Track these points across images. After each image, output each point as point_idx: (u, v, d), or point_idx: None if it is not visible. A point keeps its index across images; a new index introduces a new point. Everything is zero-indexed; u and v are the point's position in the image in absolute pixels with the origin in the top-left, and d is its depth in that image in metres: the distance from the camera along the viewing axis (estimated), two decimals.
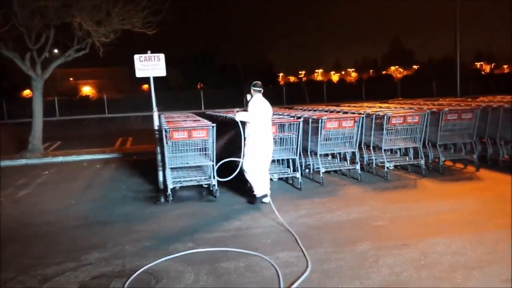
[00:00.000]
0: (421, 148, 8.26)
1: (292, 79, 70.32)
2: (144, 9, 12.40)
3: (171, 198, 6.89)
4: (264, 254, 4.62)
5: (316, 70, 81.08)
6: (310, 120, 8.00)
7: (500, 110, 8.48)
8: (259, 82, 6.84)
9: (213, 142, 6.97)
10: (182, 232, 5.45)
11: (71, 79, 56.91)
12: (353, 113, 8.91)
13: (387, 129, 8.03)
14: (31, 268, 4.47)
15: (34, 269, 4.43)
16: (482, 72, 60.37)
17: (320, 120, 7.72)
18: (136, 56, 10.38)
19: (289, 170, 7.78)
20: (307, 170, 8.25)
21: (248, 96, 6.88)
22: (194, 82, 38.59)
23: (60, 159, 11.76)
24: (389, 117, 7.97)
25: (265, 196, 6.60)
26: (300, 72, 76.67)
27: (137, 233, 5.47)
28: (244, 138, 6.76)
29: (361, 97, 34.16)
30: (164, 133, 6.81)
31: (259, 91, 6.78)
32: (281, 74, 65.74)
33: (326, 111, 9.67)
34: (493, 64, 70.93)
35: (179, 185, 7.19)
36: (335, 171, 8.54)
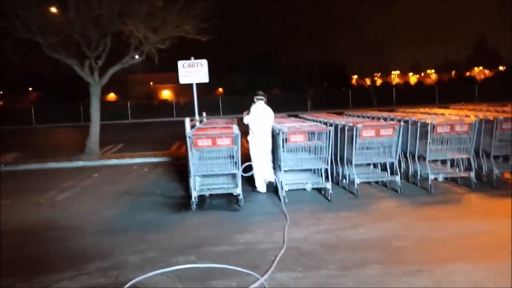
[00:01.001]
0: (472, 159, 7.50)
1: (368, 81, 68.33)
2: (197, 16, 12.59)
3: (195, 206, 6.82)
4: (263, 273, 4.36)
5: (393, 72, 78.05)
6: (346, 127, 7.57)
7: None
8: (260, 91, 8.12)
9: (237, 150, 6.82)
10: (190, 243, 5.33)
11: (151, 83, 60.07)
12: (399, 120, 8.29)
13: (432, 138, 7.37)
14: (33, 275, 4.57)
15: (35, 277, 4.53)
16: None
17: (355, 128, 7.26)
18: (179, 63, 10.59)
19: (320, 180, 7.41)
20: (344, 181, 7.83)
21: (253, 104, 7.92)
22: (257, 86, 38.83)
23: (113, 161, 12.25)
24: (434, 125, 7.30)
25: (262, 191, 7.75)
26: (375, 74, 74.19)
27: (146, 242, 5.44)
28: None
29: (435, 100, 32.16)
30: (188, 140, 6.77)
31: (261, 99, 7.95)
32: (355, 76, 64.04)
33: (369, 118, 9.12)
34: None
35: (205, 193, 7.14)
36: (376, 182, 8.00)
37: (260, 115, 7.82)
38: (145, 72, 48.00)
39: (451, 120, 7.48)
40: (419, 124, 7.65)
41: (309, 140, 7.26)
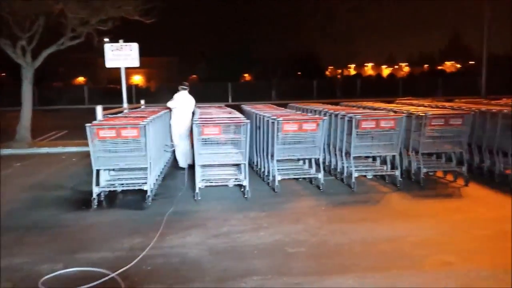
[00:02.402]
0: (400, 156, 7.18)
1: (339, 72, 68.13)
2: None
3: (96, 204, 6.27)
4: (128, 285, 3.88)
5: (366, 64, 78.08)
6: (270, 121, 7.12)
7: (498, 115, 7.15)
8: (186, 82, 9.22)
9: (147, 142, 6.29)
10: (68, 249, 4.79)
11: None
12: (330, 114, 7.91)
13: (357, 133, 6.99)
14: None
15: None
16: None
17: (276, 122, 6.80)
18: (107, 45, 9.92)
19: (241, 176, 6.95)
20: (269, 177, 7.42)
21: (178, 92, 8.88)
22: (224, 74, 38.07)
23: (44, 150, 11.55)
24: (359, 120, 6.91)
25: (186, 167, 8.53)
26: (349, 66, 74.08)
27: (22, 245, 4.90)
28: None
29: (399, 93, 32.08)
30: (88, 130, 6.18)
31: (184, 88, 8.98)
32: (330, 68, 63.69)
33: (307, 111, 8.71)
34: None
35: (111, 188, 6.60)
36: (304, 179, 7.58)
37: (181, 102, 8.84)
38: None
39: (376, 116, 7.11)
40: (346, 119, 7.26)
41: (235, 133, 6.77)
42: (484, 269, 4.03)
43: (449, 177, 7.50)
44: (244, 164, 6.75)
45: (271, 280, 3.93)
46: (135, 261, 4.36)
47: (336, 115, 7.71)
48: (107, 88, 39.31)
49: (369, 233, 5.07)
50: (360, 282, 3.83)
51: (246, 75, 50.49)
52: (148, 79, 55.10)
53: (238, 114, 8.19)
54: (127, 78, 54.13)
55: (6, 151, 11.29)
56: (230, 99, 32.34)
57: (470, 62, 62.42)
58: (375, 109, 8.99)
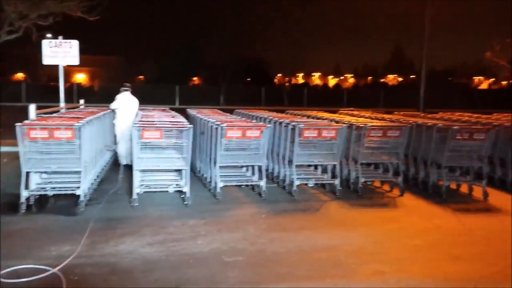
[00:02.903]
0: (340, 165, 7.32)
1: (287, 80, 69.09)
2: None
3: (24, 208, 5.88)
4: None
5: (314, 73, 79.80)
6: (214, 126, 7.03)
7: (433, 129, 7.47)
8: (127, 83, 9.47)
9: (81, 145, 5.99)
10: None
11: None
12: (275, 121, 7.94)
13: (300, 142, 7.05)
14: None
15: None
16: (478, 87, 59.13)
17: (220, 128, 6.72)
18: (45, 42, 9.44)
19: (181, 182, 6.79)
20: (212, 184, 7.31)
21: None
22: (172, 76, 37.53)
23: None
24: (301, 129, 6.97)
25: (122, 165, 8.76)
26: (297, 74, 75.36)
27: None
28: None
29: (342, 104, 33.02)
30: (18, 130, 5.81)
31: (126, 90, 9.26)
32: (279, 75, 64.43)
33: (251, 117, 8.70)
34: (492, 79, 69.19)
35: (44, 192, 6.22)
36: (247, 186, 7.53)
37: (123, 103, 9.11)
38: None
39: (318, 125, 7.21)
40: (289, 127, 7.31)
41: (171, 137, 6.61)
42: (414, 277, 4.15)
43: (386, 187, 7.73)
44: (186, 170, 6.61)
45: None
46: (56, 268, 4.11)
47: (280, 123, 7.75)
48: (47, 86, 37.60)
49: (307, 242, 5.10)
50: None
51: (195, 78, 50.04)
52: (92, 78, 53.24)
53: (181, 118, 8.03)
54: (70, 76, 51.87)
55: None
56: (177, 103, 31.87)
57: (411, 76, 65.49)
58: (318, 118, 9.13)
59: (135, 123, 6.57)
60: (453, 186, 7.70)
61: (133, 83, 34.26)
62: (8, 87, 34.36)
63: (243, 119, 8.72)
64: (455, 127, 7.19)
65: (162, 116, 8.36)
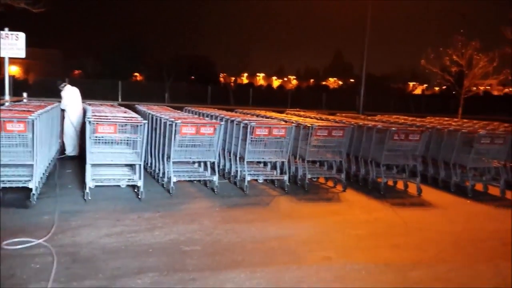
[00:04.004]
0: (288, 163, 7.72)
1: (232, 80, 69.31)
2: None
3: None
4: (13, 285, 3.69)
5: (258, 74, 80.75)
6: (168, 122, 7.18)
7: (373, 130, 8.07)
8: (60, 81, 10.03)
9: (35, 138, 5.95)
10: None
11: None
12: (226, 119, 8.20)
13: (252, 140, 7.37)
14: None
15: None
16: (412, 92, 62.59)
17: (174, 124, 6.88)
18: None
19: (135, 176, 6.88)
20: (164, 178, 7.44)
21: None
22: (117, 71, 36.73)
23: None
24: (253, 127, 7.30)
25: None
26: (242, 74, 75.87)
27: None
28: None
29: (287, 104, 33.89)
30: None
31: (65, 84, 9.88)
32: (223, 74, 64.56)
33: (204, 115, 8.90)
34: (426, 85, 73.39)
35: None
36: (199, 181, 7.74)
37: (70, 96, 9.58)
38: None
39: (269, 124, 7.58)
40: (241, 125, 7.61)
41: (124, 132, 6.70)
42: (358, 263, 4.58)
43: (330, 183, 8.24)
44: (140, 164, 6.72)
45: (166, 276, 4.03)
46: (35, 242, 4.16)
47: (232, 121, 8.02)
48: None
49: (259, 232, 5.42)
50: (251, 276, 4.12)
51: (136, 74, 49.04)
52: (26, 70, 50.61)
53: (133, 114, 8.10)
54: (1, 68, 49.11)
55: None
56: (120, 98, 31.22)
57: (350, 80, 68.09)
58: (267, 117, 9.50)
59: (88, 118, 6.58)
60: (390, 183, 8.34)
61: (69, 77, 32.96)
62: None
63: (195, 116, 8.91)
64: (393, 129, 7.81)
65: (114, 111, 8.37)
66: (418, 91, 66.86)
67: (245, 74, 75.25)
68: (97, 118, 6.54)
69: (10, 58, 9.31)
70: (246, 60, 49.03)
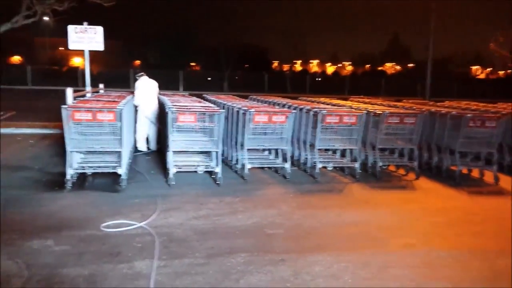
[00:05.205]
0: (359, 150, 7.76)
1: (286, 67, 69.15)
2: None
3: (70, 185, 6.28)
4: (120, 262, 4.07)
5: (311, 61, 79.93)
6: (241, 111, 7.43)
7: (447, 116, 7.91)
8: (139, 71, 10.10)
9: (122, 126, 6.39)
10: (52, 226, 4.87)
11: (60, 48, 55.72)
12: (294, 107, 8.34)
13: (322, 128, 7.47)
14: None
15: None
16: (476, 76, 59.56)
17: (248, 112, 7.12)
18: (70, 27, 9.75)
19: (212, 163, 7.21)
20: (237, 165, 7.74)
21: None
22: (173, 62, 37.74)
23: None
24: (324, 115, 7.39)
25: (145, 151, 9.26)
26: (295, 61, 75.44)
27: (6, 223, 4.89)
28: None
29: (345, 91, 33.47)
30: (64, 112, 6.18)
31: (142, 75, 9.53)
32: (276, 62, 64.55)
33: (269, 103, 9.09)
34: (490, 69, 69.60)
35: (85, 171, 6.61)
36: (269, 168, 7.96)
37: (145, 88, 9.32)
38: (55, 35, 44.55)
39: (340, 111, 7.63)
40: (311, 113, 7.72)
41: (202, 121, 7.01)
42: (442, 250, 4.62)
43: (401, 171, 8.20)
44: (217, 151, 7.02)
45: (257, 257, 4.28)
46: (133, 226, 4.56)
47: (301, 109, 8.15)
48: (47, 70, 37.73)
49: (337, 218, 5.56)
50: (337, 259, 4.27)
51: (193, 64, 50.13)
52: (90, 62, 53.07)
53: (208, 104, 8.42)
54: (67, 60, 51.43)
55: None
56: (181, 88, 32.12)
57: (409, 65, 65.83)
58: (333, 105, 9.54)
59: (170, 108, 6.95)
60: (465, 171, 8.17)
61: (130, 68, 34.13)
62: (10, 70, 34.40)
63: (265, 104, 9.11)
64: (468, 115, 7.63)
65: (188, 101, 8.74)
66: (482, 75, 63.56)
67: (299, 62, 74.90)
68: (179, 108, 6.89)
69: (73, 51, 9.91)
70: (299, 47, 48.77)
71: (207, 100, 9.99)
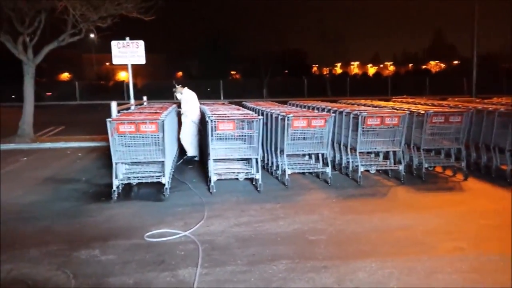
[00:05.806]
0: (402, 152, 7.56)
1: (326, 71, 68.51)
2: None
3: (116, 196, 6.47)
4: (164, 270, 4.14)
5: (352, 63, 78.77)
6: (279, 117, 7.43)
7: (495, 114, 7.56)
8: (176, 83, 10.20)
9: (163, 137, 6.53)
10: (99, 236, 5.03)
11: (107, 63, 57.95)
12: (334, 111, 8.24)
13: (363, 130, 7.34)
14: None
15: None
16: None
17: (286, 118, 7.11)
18: (113, 43, 10.10)
19: (252, 170, 7.23)
20: (277, 171, 7.73)
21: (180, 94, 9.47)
22: (212, 71, 38.32)
23: (47, 145, 11.67)
24: (364, 117, 7.26)
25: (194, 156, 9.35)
26: (335, 64, 74.63)
27: (53, 234, 5.13)
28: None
29: (388, 92, 32.73)
30: (108, 125, 6.40)
31: (182, 87, 9.54)
32: (315, 66, 64.11)
33: (308, 108, 9.03)
34: None
35: (130, 181, 6.81)
36: (310, 173, 7.89)
37: (191, 99, 9.46)
38: (101, 51, 46.38)
39: (381, 113, 7.46)
40: (351, 116, 7.60)
41: (241, 129, 7.07)
42: (493, 254, 4.40)
43: (448, 172, 7.90)
44: (256, 158, 7.04)
45: (299, 264, 4.23)
46: (181, 234, 4.64)
47: (341, 112, 8.04)
48: (94, 85, 39.27)
49: (382, 223, 5.42)
50: (382, 265, 4.16)
51: (233, 72, 50.68)
52: (134, 75, 54.80)
53: (246, 111, 8.47)
54: (114, 74, 53.35)
55: (9, 146, 11.37)
56: (222, 97, 32.55)
57: (454, 62, 63.56)
58: (375, 106, 9.35)
59: (209, 116, 7.04)
60: None
61: (174, 80, 35.02)
62: (60, 87, 36.04)
63: (304, 109, 9.06)
64: None
65: (227, 109, 8.83)
66: None
67: (338, 64, 74.02)
68: (218, 117, 6.97)
69: (121, 65, 10.23)
70: (339, 50, 48.20)
71: (246, 107, 10.05)
